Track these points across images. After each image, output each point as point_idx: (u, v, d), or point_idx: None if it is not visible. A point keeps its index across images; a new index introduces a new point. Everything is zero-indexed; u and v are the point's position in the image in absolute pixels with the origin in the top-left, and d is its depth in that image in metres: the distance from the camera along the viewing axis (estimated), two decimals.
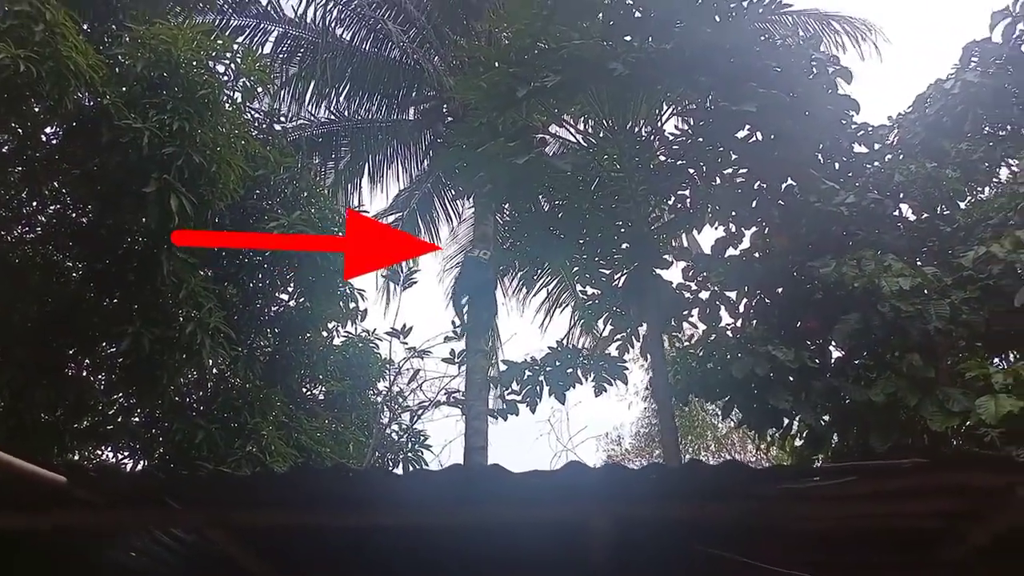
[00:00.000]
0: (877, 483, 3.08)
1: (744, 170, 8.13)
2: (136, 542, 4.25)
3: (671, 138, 8.44)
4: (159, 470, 7.71)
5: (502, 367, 9.11)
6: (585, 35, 7.45)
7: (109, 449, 8.56)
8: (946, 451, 5.42)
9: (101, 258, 7.71)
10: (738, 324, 8.10)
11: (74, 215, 8.19)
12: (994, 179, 8.55)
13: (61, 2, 6.59)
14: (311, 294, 8.96)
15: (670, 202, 8.73)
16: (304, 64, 13.03)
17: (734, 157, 8.08)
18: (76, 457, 8.21)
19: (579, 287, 10.16)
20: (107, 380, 8.18)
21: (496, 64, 7.87)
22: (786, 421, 7.22)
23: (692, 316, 8.40)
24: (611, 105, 8.19)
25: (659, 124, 8.55)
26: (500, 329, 14.61)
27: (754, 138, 7.79)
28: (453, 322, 10.99)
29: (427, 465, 10.51)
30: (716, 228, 8.49)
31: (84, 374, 8.21)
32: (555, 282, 14.64)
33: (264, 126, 9.82)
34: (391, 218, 14.43)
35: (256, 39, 12.64)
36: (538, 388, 8.23)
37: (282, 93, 12.70)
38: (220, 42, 7.97)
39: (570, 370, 8.25)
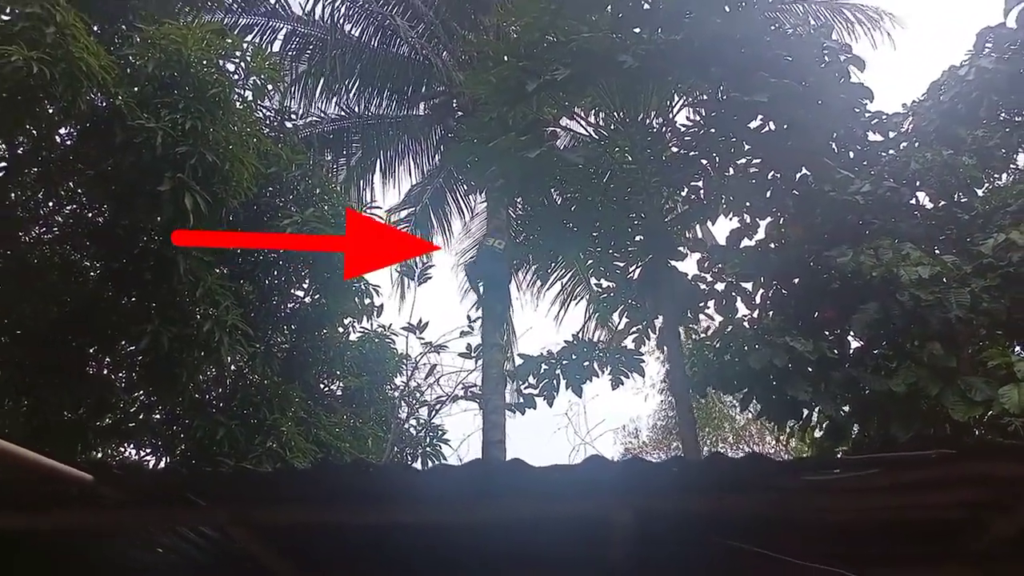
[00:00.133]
0: (901, 474, 3.06)
1: (758, 160, 8.08)
2: (160, 539, 4.28)
3: (683, 129, 8.40)
4: (182, 467, 7.77)
5: (518, 361, 9.12)
6: (594, 28, 7.42)
7: (131, 446, 8.66)
8: (971, 441, 5.36)
9: (118, 257, 7.77)
10: (755, 315, 8.06)
11: (90, 215, 8.27)
12: (1011, 165, 8.47)
13: (71, 4, 6.62)
14: (326, 290, 9.01)
15: (683, 193, 8.68)
16: (313, 61, 13.07)
17: (747, 147, 8.04)
18: (99, 455, 8.29)
19: (594, 280, 10.14)
20: (127, 378, 8.28)
21: (505, 58, 7.86)
22: (805, 412, 7.18)
23: (708, 308, 8.36)
24: (622, 97, 8.16)
25: (671, 116, 8.52)
26: (515, 323, 14.67)
27: (767, 128, 7.74)
28: (468, 316, 11.03)
29: (445, 459, 10.56)
30: (730, 219, 8.44)
31: (105, 373, 8.31)
32: (569, 275, 14.64)
33: (275, 124, 9.85)
34: (403, 213, 14.48)
35: (265, 37, 12.72)
36: (555, 382, 8.22)
37: (292, 90, 12.75)
38: (230, 41, 8.00)
39: (586, 363, 8.23)
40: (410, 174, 14.86)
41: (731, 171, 8.28)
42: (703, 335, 8.47)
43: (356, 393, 10.17)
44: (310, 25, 13.06)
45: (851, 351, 7.44)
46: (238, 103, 7.95)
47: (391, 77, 13.64)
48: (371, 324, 10.49)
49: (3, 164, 7.67)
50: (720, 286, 8.32)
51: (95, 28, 7.25)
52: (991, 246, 6.79)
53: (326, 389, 10.18)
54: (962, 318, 6.40)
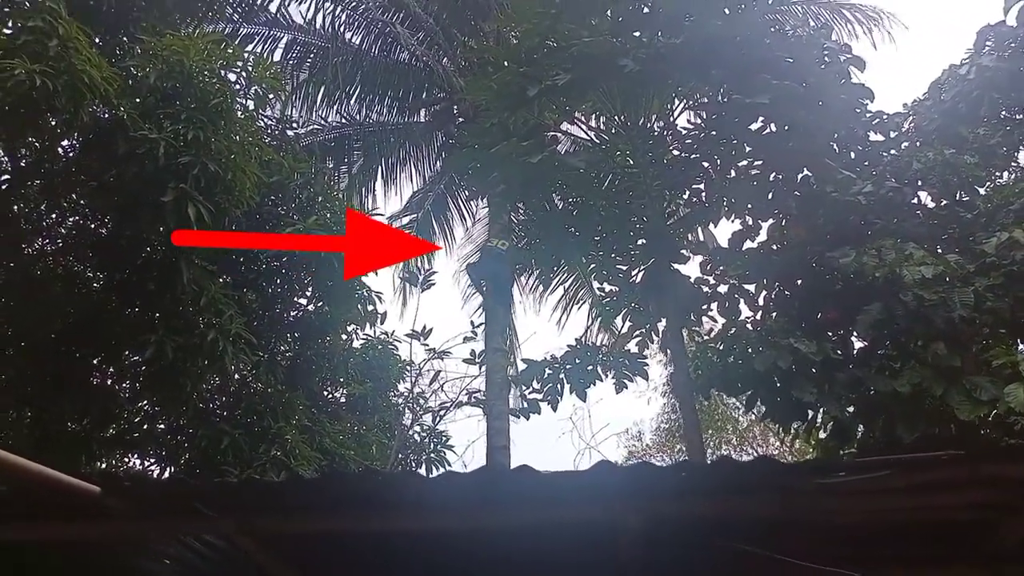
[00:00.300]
0: (911, 476, 3.05)
1: (759, 162, 8.08)
2: (166, 549, 4.28)
3: (684, 132, 8.41)
4: (189, 477, 7.78)
5: (522, 366, 9.11)
6: (594, 32, 7.43)
7: (136, 456, 8.66)
8: (982, 442, 5.36)
9: (121, 268, 7.78)
10: (758, 317, 8.05)
11: (93, 226, 8.28)
12: (1013, 164, 8.46)
13: (74, 16, 6.65)
14: (329, 298, 9.01)
15: (685, 196, 8.68)
16: (314, 70, 13.11)
17: (748, 149, 8.04)
18: (103, 465, 8.30)
19: (596, 284, 10.15)
20: (132, 388, 8.28)
21: (506, 64, 7.88)
22: (810, 413, 7.17)
23: (711, 310, 8.36)
24: (623, 101, 8.17)
25: (672, 119, 8.53)
26: (518, 329, 14.67)
27: (768, 130, 7.75)
28: (471, 322, 11.03)
29: (450, 465, 10.56)
30: (733, 221, 8.44)
31: (109, 383, 8.32)
32: (572, 279, 14.64)
33: (277, 132, 9.89)
34: (405, 220, 14.50)
35: (266, 46, 12.77)
36: (559, 386, 8.21)
37: (293, 99, 12.79)
38: (231, 51, 8.02)
39: (590, 367, 8.22)
40: (412, 181, 14.91)
41: (733, 173, 8.28)
42: (706, 338, 8.46)
43: (360, 400, 10.17)
44: (311, 34, 13.11)
45: (855, 352, 7.42)
46: (240, 113, 7.97)
47: (392, 84, 13.68)
48: (374, 331, 10.50)
49: (6, 176, 7.69)
50: (723, 288, 8.32)
51: (97, 40, 7.28)
52: (994, 245, 6.77)
53: (330, 396, 10.18)
54: (966, 317, 6.38)
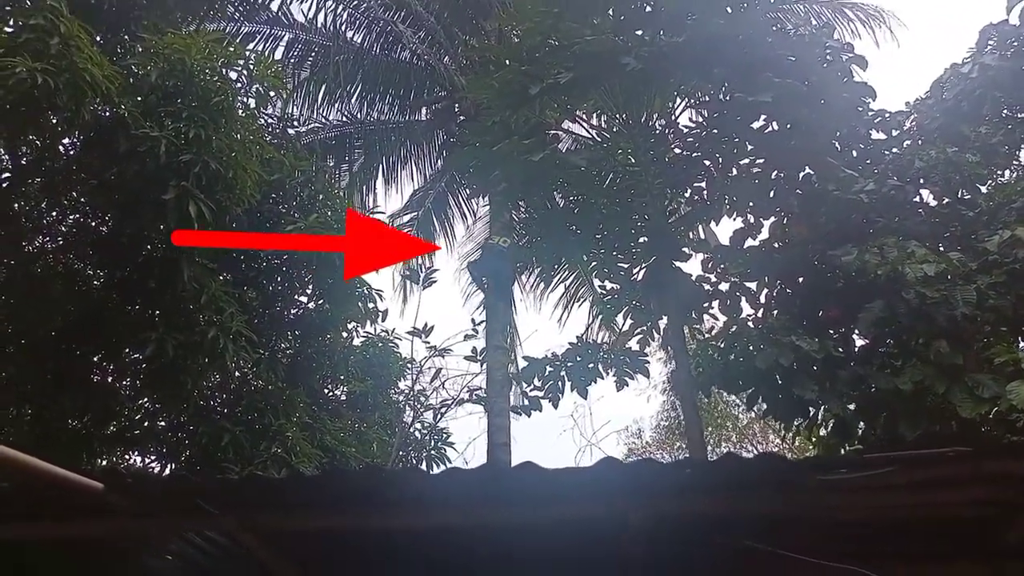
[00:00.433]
0: (915, 472, 3.05)
1: (761, 160, 8.07)
2: (168, 546, 4.28)
3: (686, 130, 8.40)
4: (191, 474, 7.78)
5: (523, 364, 9.11)
6: (596, 31, 7.43)
7: (136, 454, 8.66)
8: (984, 440, 5.35)
9: (122, 266, 7.78)
10: (759, 315, 8.04)
11: (94, 224, 8.28)
12: (1015, 162, 8.46)
13: (75, 15, 6.65)
14: (330, 296, 9.01)
15: (687, 194, 8.67)
16: (315, 68, 13.11)
17: (750, 147, 8.03)
18: (104, 462, 8.29)
19: (597, 282, 10.14)
20: (132, 386, 8.28)
21: (507, 62, 7.87)
22: (812, 411, 7.16)
23: (712, 308, 8.34)
24: (624, 99, 8.16)
25: (673, 117, 8.51)
26: (519, 326, 14.66)
27: (770, 128, 7.73)
28: (472, 320, 11.03)
29: (451, 463, 10.56)
30: (734, 219, 8.43)
31: (110, 381, 8.31)
32: (573, 277, 14.63)
33: (278, 131, 9.89)
34: (406, 218, 14.50)
35: (268, 45, 12.76)
36: (560, 384, 8.21)
37: (295, 97, 12.77)
38: (232, 49, 8.02)
39: (591, 365, 8.21)
40: (412, 179, 14.91)
41: (734, 171, 8.27)
42: (708, 335, 8.45)
43: (361, 397, 10.17)
44: (312, 32, 13.10)
45: (857, 349, 7.42)
46: (241, 111, 7.97)
47: (393, 83, 13.67)
48: (375, 329, 10.49)
49: (7, 174, 7.69)
50: (724, 286, 8.31)
51: (98, 38, 7.27)
52: (996, 243, 6.77)
53: (331, 394, 10.18)
54: (968, 315, 6.37)
